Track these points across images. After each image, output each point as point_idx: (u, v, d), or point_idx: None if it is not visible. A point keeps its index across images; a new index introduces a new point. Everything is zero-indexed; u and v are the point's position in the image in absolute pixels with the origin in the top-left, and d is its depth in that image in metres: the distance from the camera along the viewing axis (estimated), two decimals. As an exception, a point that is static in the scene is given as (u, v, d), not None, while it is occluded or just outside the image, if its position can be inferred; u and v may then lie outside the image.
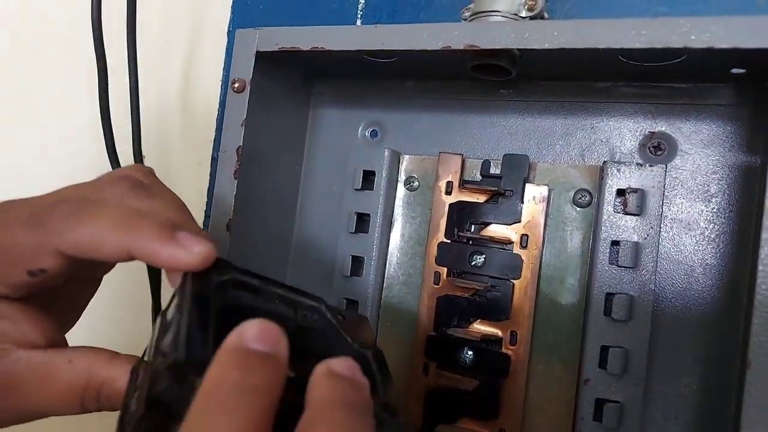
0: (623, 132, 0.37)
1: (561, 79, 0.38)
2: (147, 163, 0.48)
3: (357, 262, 0.41)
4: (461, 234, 0.38)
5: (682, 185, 0.35)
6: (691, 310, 0.34)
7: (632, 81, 0.36)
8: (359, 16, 0.46)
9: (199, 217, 0.51)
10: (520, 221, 0.37)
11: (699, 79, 0.35)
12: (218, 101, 0.52)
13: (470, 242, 0.38)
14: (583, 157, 0.38)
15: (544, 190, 0.37)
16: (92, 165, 0.40)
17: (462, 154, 0.39)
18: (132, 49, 0.44)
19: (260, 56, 0.38)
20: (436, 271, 0.39)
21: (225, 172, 0.38)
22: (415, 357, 0.39)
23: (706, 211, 0.34)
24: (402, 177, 0.42)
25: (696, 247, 0.34)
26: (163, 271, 0.44)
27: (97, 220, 0.25)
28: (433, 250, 0.39)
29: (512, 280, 0.37)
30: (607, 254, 0.34)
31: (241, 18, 0.51)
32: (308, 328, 0.26)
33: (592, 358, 0.34)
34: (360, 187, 0.41)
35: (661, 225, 0.34)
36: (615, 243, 0.34)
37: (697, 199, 0.35)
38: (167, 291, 0.45)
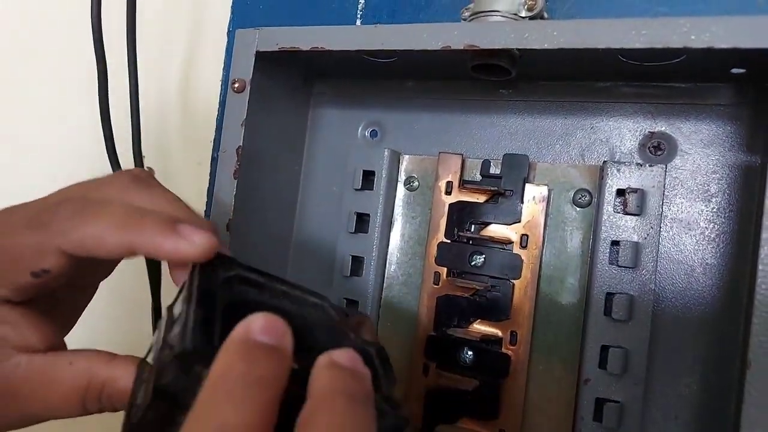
0: (623, 132, 0.37)
1: (561, 79, 0.38)
2: (147, 163, 0.48)
3: (357, 262, 0.41)
4: (461, 234, 0.38)
5: (682, 185, 0.35)
6: (691, 310, 0.34)
7: (632, 81, 0.36)
8: (359, 16, 0.46)
9: (199, 217, 0.51)
10: (520, 221, 0.37)
11: (699, 79, 0.35)
12: (218, 101, 0.52)
13: (470, 242, 0.38)
14: (583, 157, 0.38)
15: (543, 190, 0.37)
16: (92, 165, 0.40)
17: (462, 154, 0.39)
18: (132, 49, 0.44)
19: (260, 56, 0.38)
20: (436, 271, 0.39)
21: (225, 172, 0.38)
22: (415, 357, 0.39)
23: (706, 210, 0.34)
24: (402, 177, 0.42)
25: (696, 247, 0.34)
26: (164, 271, 0.44)
27: (99, 219, 0.25)
28: (433, 250, 0.39)
29: (512, 280, 0.37)
30: (607, 254, 0.34)
31: (241, 18, 0.51)
32: (312, 324, 0.26)
33: (592, 358, 0.34)
34: (360, 187, 0.41)
35: (661, 225, 0.34)
36: (615, 243, 0.34)
37: (697, 199, 0.35)
38: (167, 291, 0.45)
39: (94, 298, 0.33)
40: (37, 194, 0.29)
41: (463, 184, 0.39)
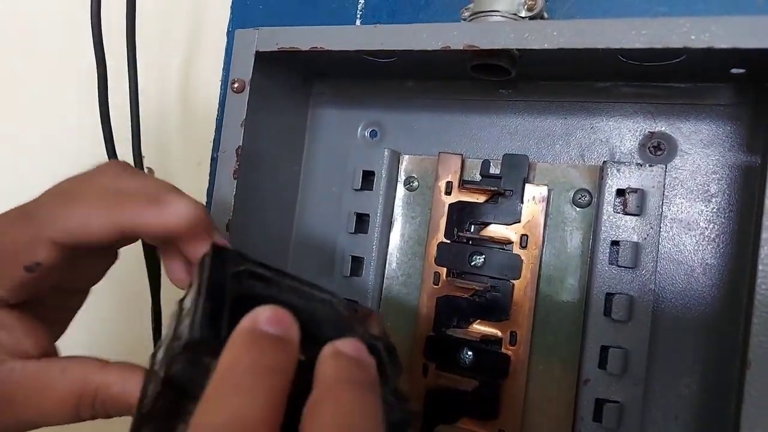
0: (623, 132, 0.37)
1: (561, 79, 0.38)
2: (146, 163, 0.48)
3: (357, 262, 0.41)
4: (461, 234, 0.38)
5: (681, 185, 0.35)
6: (691, 310, 0.34)
7: (632, 81, 0.36)
8: (359, 16, 0.46)
9: (199, 218, 0.51)
10: (519, 221, 0.37)
11: (699, 79, 0.34)
12: (218, 101, 0.52)
13: (470, 242, 0.38)
14: (582, 157, 0.38)
15: (543, 190, 0.37)
16: (92, 165, 0.40)
17: (462, 154, 0.39)
18: (132, 49, 0.44)
19: (260, 56, 0.38)
20: (435, 272, 0.39)
21: (224, 173, 0.38)
22: (414, 357, 0.39)
23: (706, 211, 0.34)
24: (402, 177, 0.42)
25: (696, 247, 0.34)
26: (164, 272, 0.44)
27: (84, 203, 0.26)
28: (433, 251, 0.39)
29: (512, 281, 0.37)
30: (607, 254, 0.34)
31: (240, 18, 0.51)
32: (319, 318, 0.26)
33: (592, 359, 0.34)
34: (359, 187, 0.41)
35: (661, 225, 0.34)
36: (615, 243, 0.34)
37: (697, 199, 0.35)
38: (167, 292, 0.45)
39: (94, 298, 0.33)
40: (37, 194, 0.29)
41: (463, 184, 0.39)
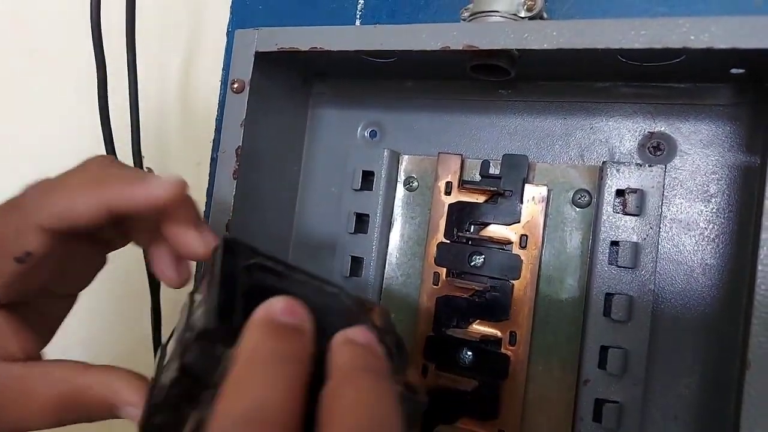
0: (622, 132, 0.37)
1: (560, 80, 0.38)
2: (146, 163, 0.48)
3: (356, 262, 0.41)
4: (460, 234, 0.38)
5: (681, 185, 0.35)
6: (690, 310, 0.34)
7: (631, 81, 0.36)
8: (358, 16, 0.46)
9: (199, 218, 0.51)
10: (519, 221, 0.37)
11: (698, 80, 0.35)
12: (217, 101, 0.52)
13: (469, 242, 0.38)
14: (582, 158, 0.38)
15: (543, 191, 0.37)
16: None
17: (461, 155, 0.39)
18: (131, 49, 0.44)
19: (259, 56, 0.38)
20: (435, 272, 0.39)
21: (224, 173, 0.38)
22: (414, 358, 0.39)
23: (706, 211, 0.34)
24: (401, 177, 0.42)
25: (695, 248, 0.34)
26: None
27: (69, 186, 0.26)
28: (433, 251, 0.39)
29: (511, 281, 0.37)
30: (607, 254, 0.34)
31: (240, 18, 0.51)
32: (328, 311, 0.27)
33: (592, 359, 0.34)
34: (359, 187, 0.41)
35: (661, 225, 0.34)
36: (614, 243, 0.34)
37: (696, 200, 0.35)
38: (167, 291, 0.45)
39: (94, 298, 0.33)
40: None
41: (463, 184, 0.39)
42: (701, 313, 0.34)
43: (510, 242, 0.37)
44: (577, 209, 0.37)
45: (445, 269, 0.39)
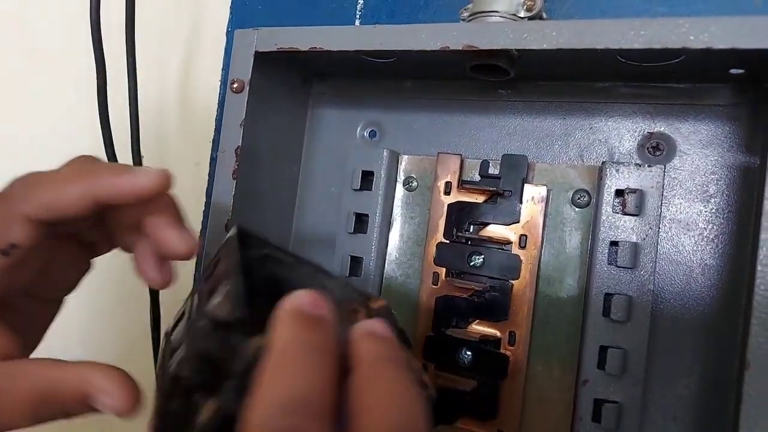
0: (622, 132, 0.37)
1: (560, 80, 0.38)
2: (145, 163, 0.48)
3: (356, 262, 0.41)
4: (460, 234, 0.38)
5: (680, 185, 0.35)
6: (689, 310, 0.34)
7: (631, 81, 0.36)
8: (358, 16, 0.46)
9: (198, 217, 0.51)
10: (518, 221, 0.37)
11: (698, 80, 0.34)
12: (217, 101, 0.52)
13: (469, 242, 0.38)
14: (581, 158, 0.38)
15: (542, 191, 0.37)
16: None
17: (461, 155, 0.39)
18: (131, 49, 0.44)
19: (259, 56, 0.38)
20: (434, 272, 0.39)
21: (224, 173, 0.38)
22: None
23: (705, 211, 0.34)
24: (401, 177, 0.42)
25: (695, 248, 0.34)
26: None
27: (56, 177, 0.26)
28: (432, 251, 0.39)
29: (511, 281, 0.37)
30: (606, 255, 0.34)
31: (239, 18, 0.51)
32: (338, 303, 0.27)
33: (591, 359, 0.34)
34: (359, 187, 0.41)
35: (660, 225, 0.34)
36: (614, 243, 0.34)
37: (695, 200, 0.35)
38: (166, 292, 0.45)
39: (94, 297, 0.33)
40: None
41: (462, 184, 0.39)
42: (700, 313, 0.34)
43: (509, 242, 0.37)
44: (577, 209, 0.37)
45: (444, 269, 0.39)
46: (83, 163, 0.29)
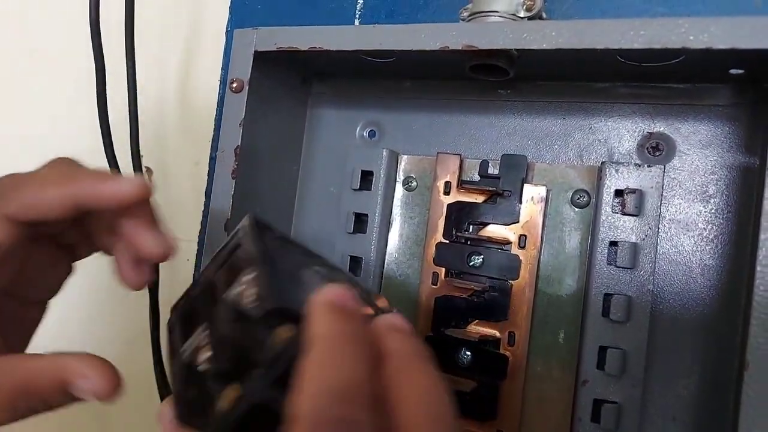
0: (621, 132, 0.37)
1: (559, 80, 0.38)
2: (145, 162, 0.48)
3: (355, 262, 0.41)
4: (459, 234, 0.38)
5: (680, 186, 0.35)
6: (689, 311, 0.34)
7: (631, 81, 0.36)
8: (357, 16, 0.46)
9: (197, 217, 0.51)
10: (518, 222, 0.37)
11: (697, 80, 0.34)
12: (216, 101, 0.52)
13: (468, 243, 0.38)
14: (581, 158, 0.38)
15: (542, 191, 0.37)
16: (90, 165, 0.40)
17: (460, 155, 0.39)
18: (130, 49, 0.44)
19: (258, 56, 0.38)
20: (434, 272, 0.39)
21: (223, 172, 0.38)
22: (413, 357, 0.39)
23: (705, 211, 0.34)
24: (400, 177, 0.42)
25: (694, 248, 0.34)
26: (162, 271, 0.44)
27: (39, 179, 0.27)
28: (431, 251, 0.39)
29: (510, 281, 0.37)
30: (606, 255, 0.34)
31: (239, 18, 0.51)
32: None
33: (590, 359, 0.34)
34: (358, 187, 0.41)
35: (660, 225, 0.34)
36: (613, 243, 0.34)
37: (695, 200, 0.34)
38: (165, 290, 0.45)
39: (94, 296, 0.33)
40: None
41: (462, 184, 0.39)
42: (700, 313, 0.34)
43: (509, 242, 0.37)
44: (576, 209, 0.37)
45: (443, 269, 0.39)
46: (65, 166, 0.29)
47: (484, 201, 0.38)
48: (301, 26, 0.37)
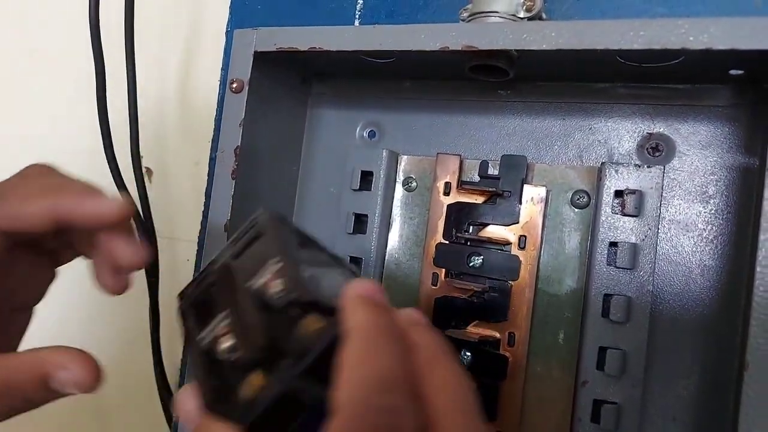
0: (621, 133, 0.37)
1: (559, 80, 0.38)
2: (145, 163, 0.48)
3: (355, 263, 0.41)
4: (459, 235, 0.38)
5: (680, 186, 0.35)
6: (689, 311, 0.34)
7: (630, 82, 0.36)
8: (357, 16, 0.46)
9: (197, 217, 0.51)
10: (518, 222, 0.37)
11: (697, 81, 0.34)
12: (216, 101, 0.52)
13: (468, 243, 0.38)
14: (581, 158, 0.38)
15: (542, 191, 0.37)
16: (90, 166, 0.40)
17: (460, 155, 0.39)
18: (130, 49, 0.44)
19: (258, 56, 0.38)
20: (434, 272, 0.39)
21: (223, 172, 0.38)
22: (412, 358, 0.39)
23: (704, 212, 0.34)
24: (400, 177, 0.42)
25: (694, 249, 0.34)
26: (162, 271, 0.44)
27: (21, 191, 0.27)
28: (431, 251, 0.39)
29: (510, 282, 0.37)
30: (605, 255, 0.34)
31: (239, 18, 0.51)
32: None
33: (590, 360, 0.34)
34: (358, 187, 0.41)
35: (659, 226, 0.34)
36: (613, 244, 0.34)
37: (695, 201, 0.34)
38: (165, 290, 0.45)
39: (93, 296, 0.33)
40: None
41: (461, 185, 0.39)
42: (700, 314, 0.34)
43: (509, 243, 0.37)
44: (576, 210, 0.37)
45: (443, 270, 0.39)
46: (45, 178, 0.29)
47: (484, 201, 0.38)
48: (301, 26, 0.37)
